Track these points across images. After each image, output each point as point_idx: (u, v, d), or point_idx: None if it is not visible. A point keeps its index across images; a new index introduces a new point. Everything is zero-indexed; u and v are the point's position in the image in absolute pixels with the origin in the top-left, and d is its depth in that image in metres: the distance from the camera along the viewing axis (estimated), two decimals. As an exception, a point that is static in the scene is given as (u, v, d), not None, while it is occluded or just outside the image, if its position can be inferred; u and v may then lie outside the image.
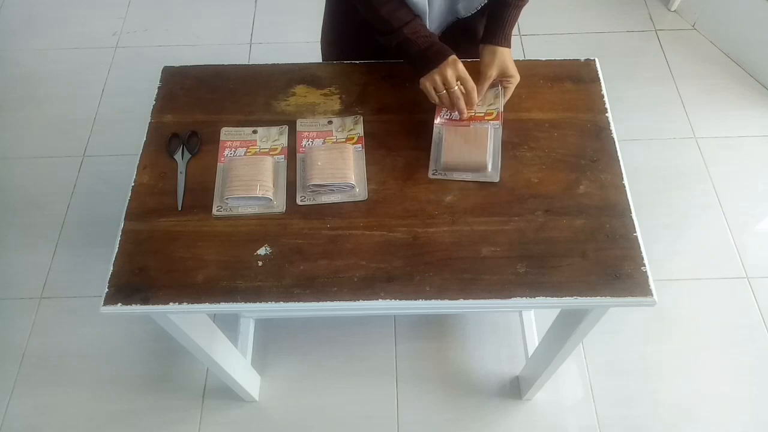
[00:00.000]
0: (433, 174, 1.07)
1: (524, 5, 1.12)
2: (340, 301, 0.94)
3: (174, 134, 1.12)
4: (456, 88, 1.06)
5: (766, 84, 2.17)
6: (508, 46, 1.12)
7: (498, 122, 1.11)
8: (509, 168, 1.07)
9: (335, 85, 1.19)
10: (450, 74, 1.04)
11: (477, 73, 1.12)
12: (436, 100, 1.08)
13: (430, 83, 1.06)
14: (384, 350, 1.70)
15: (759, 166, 2.00)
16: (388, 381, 1.66)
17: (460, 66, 1.05)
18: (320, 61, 1.36)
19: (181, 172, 1.07)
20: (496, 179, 1.05)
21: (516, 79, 1.12)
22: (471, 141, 1.07)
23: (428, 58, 1.05)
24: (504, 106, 1.13)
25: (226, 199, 1.03)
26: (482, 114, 1.12)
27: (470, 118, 1.10)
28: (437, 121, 1.12)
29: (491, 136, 1.09)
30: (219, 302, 0.94)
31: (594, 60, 1.21)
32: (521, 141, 1.10)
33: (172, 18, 2.48)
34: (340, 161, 1.05)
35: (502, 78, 1.12)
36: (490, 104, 1.13)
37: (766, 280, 1.78)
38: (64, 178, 2.04)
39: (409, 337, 1.72)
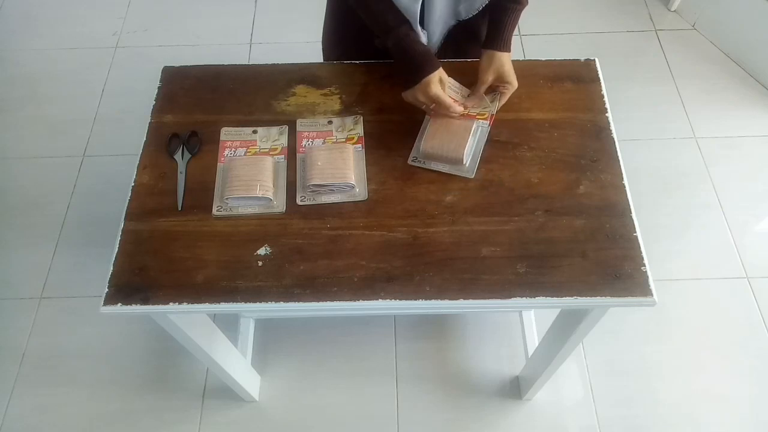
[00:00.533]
0: (413, 161, 1.08)
1: (523, 9, 1.12)
2: (340, 301, 0.94)
3: (174, 134, 1.12)
4: (433, 105, 1.08)
5: (766, 84, 2.17)
6: (508, 50, 1.12)
7: (487, 122, 1.11)
8: (509, 168, 1.07)
9: (335, 85, 1.19)
10: (422, 98, 1.06)
11: (475, 77, 1.12)
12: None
13: (411, 99, 1.09)
14: (384, 350, 1.70)
15: (759, 166, 2.00)
16: (388, 381, 1.66)
17: (434, 88, 1.05)
18: (320, 61, 1.36)
19: (181, 172, 1.07)
20: (471, 176, 1.06)
21: (513, 86, 1.12)
22: (452, 133, 1.08)
23: (408, 73, 1.07)
24: (498, 110, 1.12)
25: (227, 199, 1.03)
26: (475, 114, 1.12)
27: (462, 116, 1.11)
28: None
29: (475, 133, 1.09)
30: (219, 302, 0.95)
31: (594, 60, 1.21)
32: (521, 141, 1.10)
33: (172, 18, 2.48)
34: (340, 161, 1.05)
35: (499, 83, 1.12)
36: (485, 107, 1.13)
37: (766, 280, 1.78)
38: (64, 178, 2.04)
39: (409, 337, 1.72)
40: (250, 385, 1.57)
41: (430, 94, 1.05)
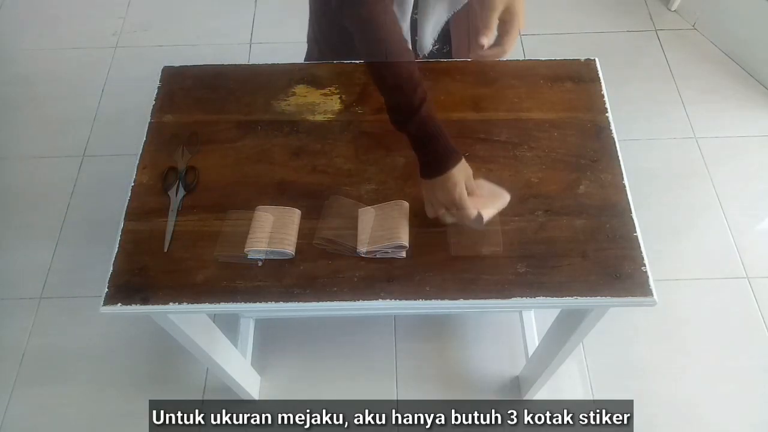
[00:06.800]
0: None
1: None
2: (340, 301, 0.94)
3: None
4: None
5: (766, 84, 2.17)
6: None
7: None
8: (509, 168, 1.07)
9: (335, 85, 1.18)
10: (443, 197, 0.90)
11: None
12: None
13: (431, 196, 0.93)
14: (384, 350, 1.70)
15: (759, 166, 2.00)
16: (388, 381, 1.65)
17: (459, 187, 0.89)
18: (320, 60, 1.35)
19: (172, 210, 1.01)
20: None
21: (518, 17, 1.00)
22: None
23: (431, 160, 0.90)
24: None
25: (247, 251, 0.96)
26: None
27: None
28: None
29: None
30: (219, 302, 0.94)
31: (594, 60, 1.20)
32: (521, 141, 1.10)
33: (172, 18, 2.48)
34: (390, 220, 0.96)
35: (507, 17, 1.01)
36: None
37: (766, 280, 1.78)
38: (64, 178, 2.04)
39: (409, 337, 1.72)
40: (250, 385, 1.57)
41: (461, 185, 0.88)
